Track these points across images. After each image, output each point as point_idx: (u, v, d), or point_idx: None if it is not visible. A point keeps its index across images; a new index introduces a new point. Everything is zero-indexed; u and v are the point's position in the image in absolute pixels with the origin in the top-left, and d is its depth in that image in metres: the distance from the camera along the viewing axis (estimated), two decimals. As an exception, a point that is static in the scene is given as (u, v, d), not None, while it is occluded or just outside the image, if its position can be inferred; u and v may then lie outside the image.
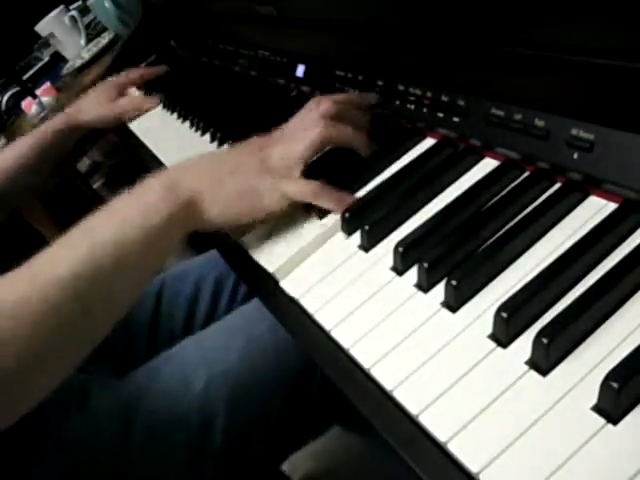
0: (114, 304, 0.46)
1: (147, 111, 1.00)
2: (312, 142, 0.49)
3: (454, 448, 0.31)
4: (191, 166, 0.50)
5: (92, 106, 0.98)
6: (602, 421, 0.29)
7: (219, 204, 0.48)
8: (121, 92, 1.02)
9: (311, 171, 0.51)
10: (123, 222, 0.45)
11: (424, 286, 0.40)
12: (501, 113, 0.45)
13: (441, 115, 0.50)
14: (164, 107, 1.00)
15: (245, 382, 0.63)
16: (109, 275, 0.44)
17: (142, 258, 0.46)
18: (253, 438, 0.64)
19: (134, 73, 1.06)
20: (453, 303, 0.38)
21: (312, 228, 0.50)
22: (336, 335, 0.41)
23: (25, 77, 1.78)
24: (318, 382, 0.64)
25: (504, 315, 0.34)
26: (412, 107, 0.53)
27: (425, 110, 0.52)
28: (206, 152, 0.53)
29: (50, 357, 0.42)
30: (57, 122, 0.96)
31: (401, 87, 0.55)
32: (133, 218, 0.45)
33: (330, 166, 0.53)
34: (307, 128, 0.49)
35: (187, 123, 0.88)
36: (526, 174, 0.44)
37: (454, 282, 0.37)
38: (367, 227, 0.45)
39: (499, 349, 0.34)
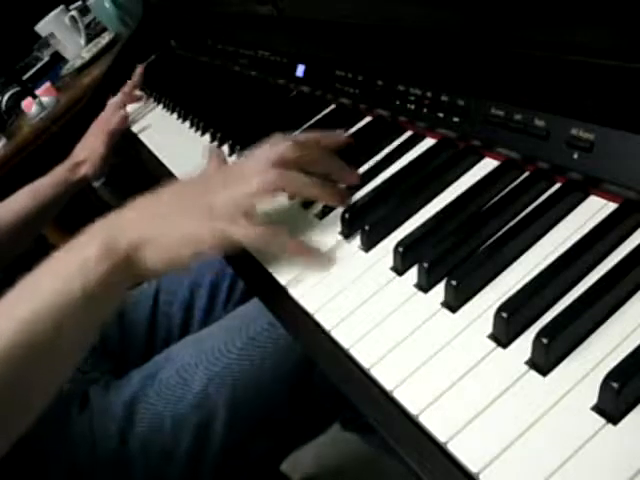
0: (58, 364, 0.45)
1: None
2: (258, 191, 0.45)
3: (454, 448, 0.31)
4: (131, 213, 0.48)
5: (88, 152, 0.98)
6: (602, 421, 0.29)
7: (160, 253, 0.46)
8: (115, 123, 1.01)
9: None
10: (62, 280, 0.44)
11: (424, 286, 0.40)
12: (501, 113, 0.45)
13: (441, 115, 0.50)
14: (164, 107, 1.00)
15: (244, 381, 0.63)
16: (50, 336, 0.43)
17: (84, 314, 0.45)
18: (253, 437, 0.64)
19: (118, 100, 1.05)
20: (453, 303, 0.38)
21: (313, 230, 0.50)
22: (336, 335, 0.41)
23: (25, 77, 1.79)
24: (318, 381, 0.64)
25: (504, 315, 0.34)
26: (412, 107, 0.53)
27: (425, 110, 0.52)
28: (148, 195, 0.49)
29: None
30: (58, 179, 0.95)
31: (401, 87, 0.55)
32: (73, 276, 0.44)
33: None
34: (256, 174, 0.46)
35: (187, 123, 0.88)
36: (526, 174, 0.44)
37: (454, 282, 0.37)
38: (367, 227, 0.45)
39: (499, 349, 0.34)
